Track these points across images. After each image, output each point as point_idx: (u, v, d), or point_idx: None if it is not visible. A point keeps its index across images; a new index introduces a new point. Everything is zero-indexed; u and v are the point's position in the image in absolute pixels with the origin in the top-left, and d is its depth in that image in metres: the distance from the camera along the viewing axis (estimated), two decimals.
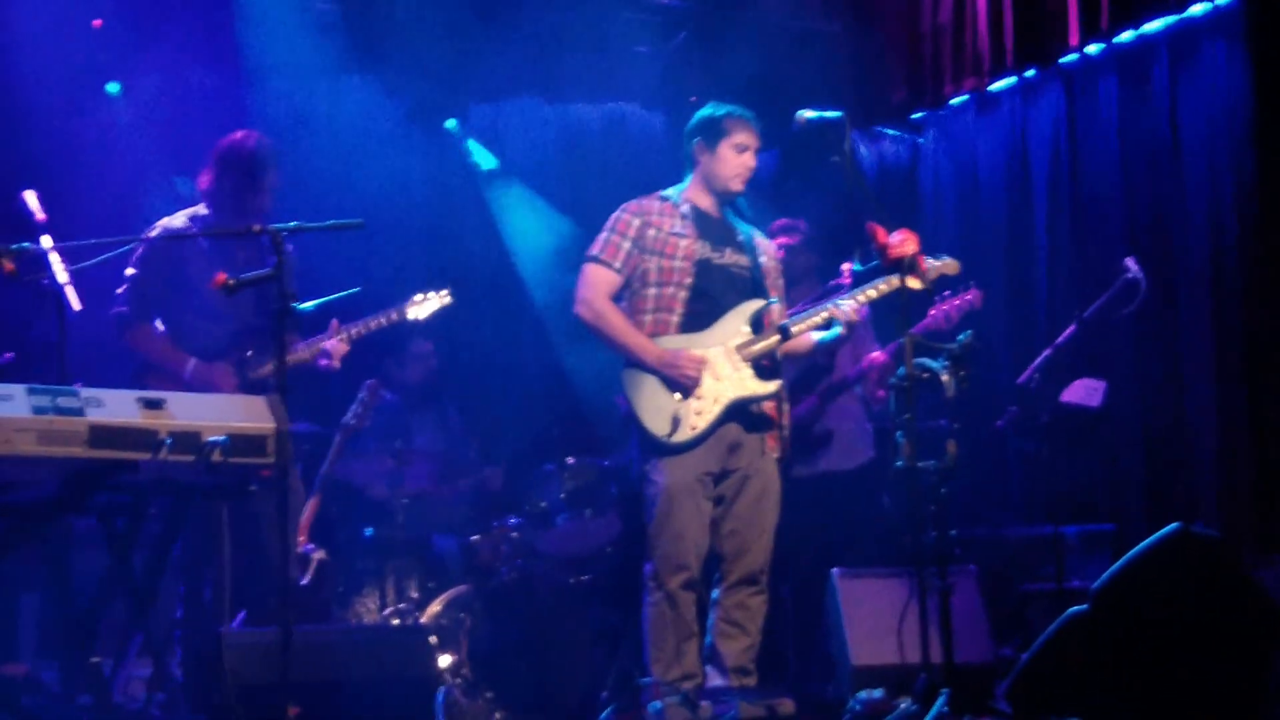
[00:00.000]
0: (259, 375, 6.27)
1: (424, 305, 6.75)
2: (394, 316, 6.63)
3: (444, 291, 6.82)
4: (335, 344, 6.36)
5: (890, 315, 5.53)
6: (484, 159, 10.09)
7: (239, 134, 6.50)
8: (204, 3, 8.34)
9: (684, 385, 6.03)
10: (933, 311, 6.91)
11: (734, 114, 6.36)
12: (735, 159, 6.32)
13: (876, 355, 7.32)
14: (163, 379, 6.13)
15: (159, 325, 6.38)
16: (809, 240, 7.82)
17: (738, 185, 6.35)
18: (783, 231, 7.72)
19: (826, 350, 6.55)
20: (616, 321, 6.18)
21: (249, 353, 6.33)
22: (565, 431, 8.61)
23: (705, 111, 6.42)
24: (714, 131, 6.34)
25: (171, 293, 6.34)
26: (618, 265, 6.23)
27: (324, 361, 6.37)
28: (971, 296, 6.95)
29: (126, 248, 5.96)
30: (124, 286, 6.34)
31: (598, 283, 6.25)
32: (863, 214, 5.55)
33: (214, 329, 6.32)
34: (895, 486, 7.22)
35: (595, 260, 6.27)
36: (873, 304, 6.31)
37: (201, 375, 6.19)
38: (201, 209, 6.47)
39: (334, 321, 6.39)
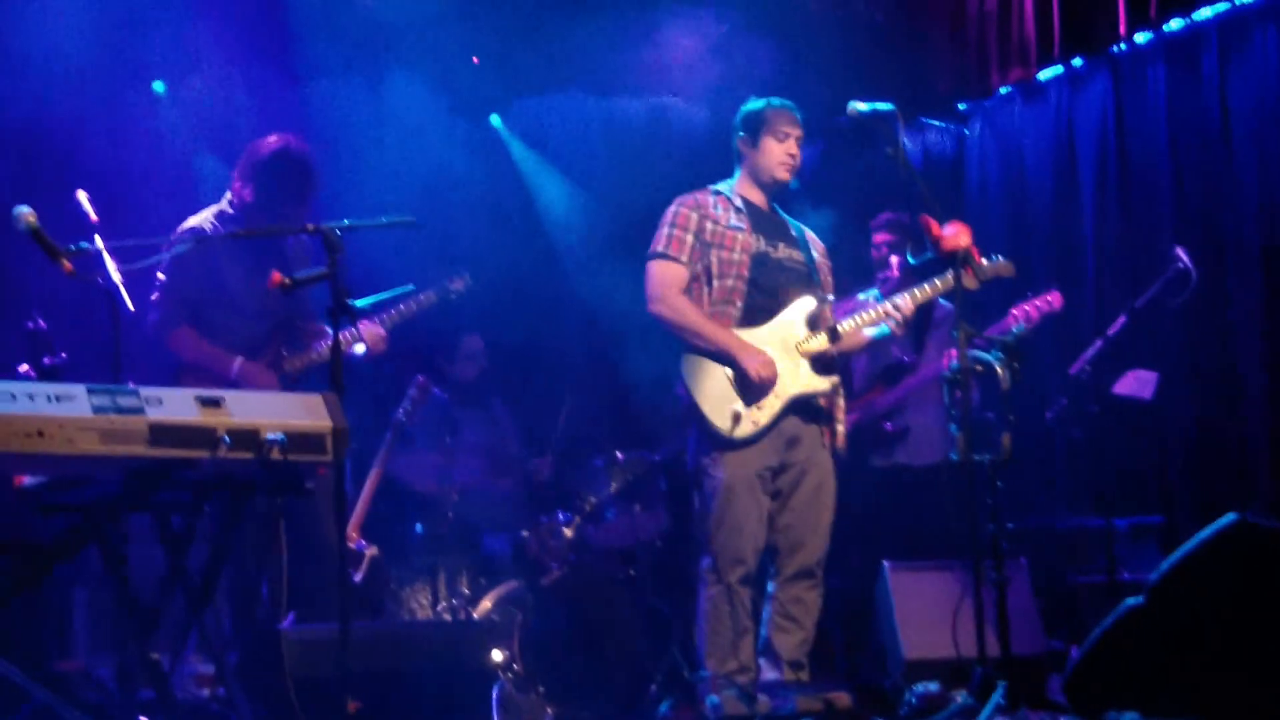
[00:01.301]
0: (294, 369, 6.29)
1: (450, 289, 6.80)
2: (423, 302, 6.68)
3: (464, 276, 6.88)
4: (370, 328, 6.38)
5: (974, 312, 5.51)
6: (526, 157, 10.11)
7: (277, 138, 6.46)
8: (249, 1, 8.36)
9: (759, 383, 6.02)
10: (1014, 311, 6.90)
11: (774, 104, 6.37)
12: (779, 148, 6.31)
13: (954, 352, 7.28)
14: (203, 379, 6.14)
15: (192, 329, 6.38)
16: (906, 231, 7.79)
17: (784, 174, 6.34)
18: (886, 226, 7.70)
19: (877, 346, 6.53)
20: (694, 315, 6.16)
21: (284, 350, 6.35)
22: (614, 426, 8.62)
23: (749, 104, 6.42)
24: (756, 124, 6.34)
25: (204, 292, 6.34)
26: (684, 259, 6.22)
27: (358, 348, 6.37)
28: (1052, 298, 6.94)
29: (180, 248, 5.99)
30: (156, 292, 6.33)
31: (668, 279, 6.23)
32: (915, 207, 5.54)
33: (246, 327, 6.34)
34: (950, 479, 7.21)
35: (663, 257, 6.25)
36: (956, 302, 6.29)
37: (248, 374, 6.21)
38: (226, 207, 6.45)
39: (377, 315, 6.43)
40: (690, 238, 6.22)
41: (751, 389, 6.04)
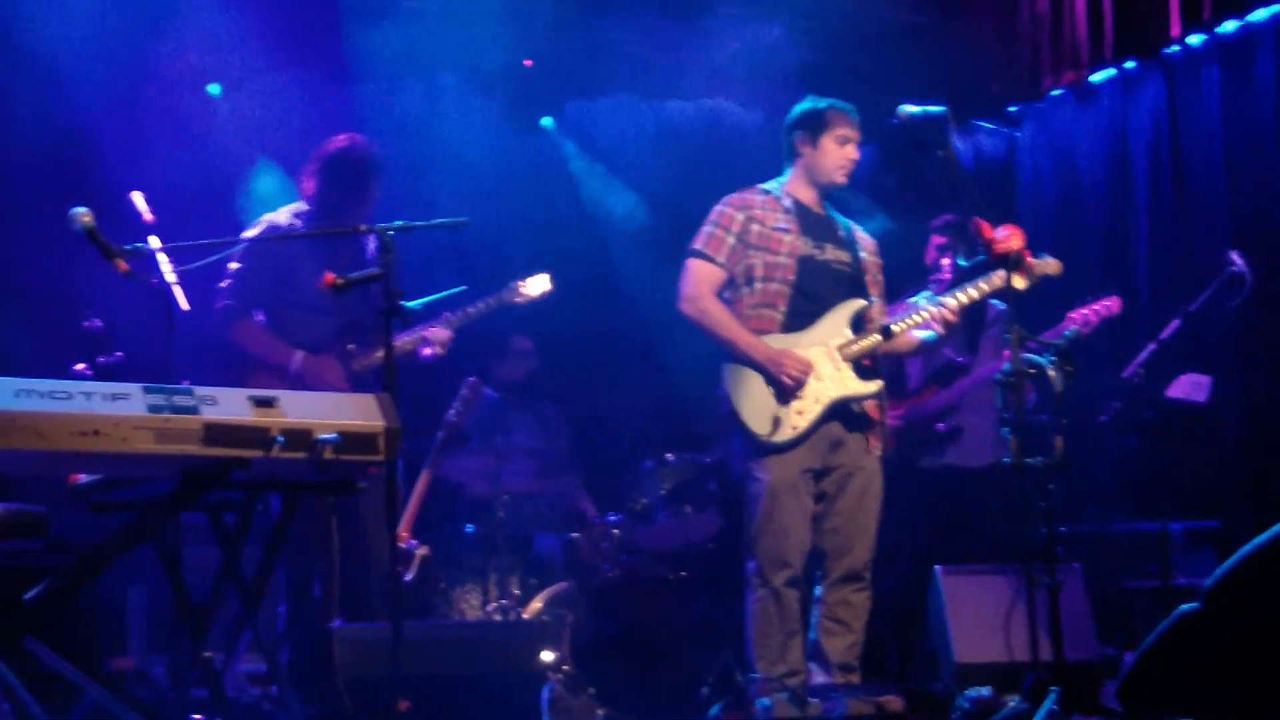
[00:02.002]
0: (362, 367, 6.32)
1: (526, 290, 6.81)
2: (493, 302, 6.69)
3: (544, 276, 6.88)
4: (438, 330, 6.41)
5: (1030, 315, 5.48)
6: (578, 160, 10.11)
7: (343, 138, 6.54)
8: (302, 4, 8.40)
9: (789, 386, 6.02)
10: (1071, 315, 6.87)
11: (836, 106, 6.35)
12: (838, 151, 6.30)
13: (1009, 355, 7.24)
14: (266, 374, 6.19)
15: (259, 320, 6.44)
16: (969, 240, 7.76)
17: (841, 178, 6.33)
18: (942, 229, 7.67)
19: (930, 348, 6.51)
20: (722, 318, 6.17)
21: (351, 346, 6.38)
22: (665, 428, 8.62)
23: (806, 104, 6.40)
24: (816, 124, 6.32)
25: (274, 287, 6.38)
26: (721, 260, 6.22)
27: (427, 350, 6.42)
28: (1111, 303, 6.92)
29: (234, 249, 6.03)
30: (227, 280, 6.38)
31: (702, 278, 6.23)
32: (968, 209, 5.52)
33: (317, 323, 6.37)
34: (1004, 483, 7.17)
35: (699, 255, 6.26)
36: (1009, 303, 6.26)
37: (309, 368, 6.24)
38: (303, 205, 6.52)
39: (445, 314, 6.45)
40: (731, 239, 6.22)
41: (789, 393, 6.04)
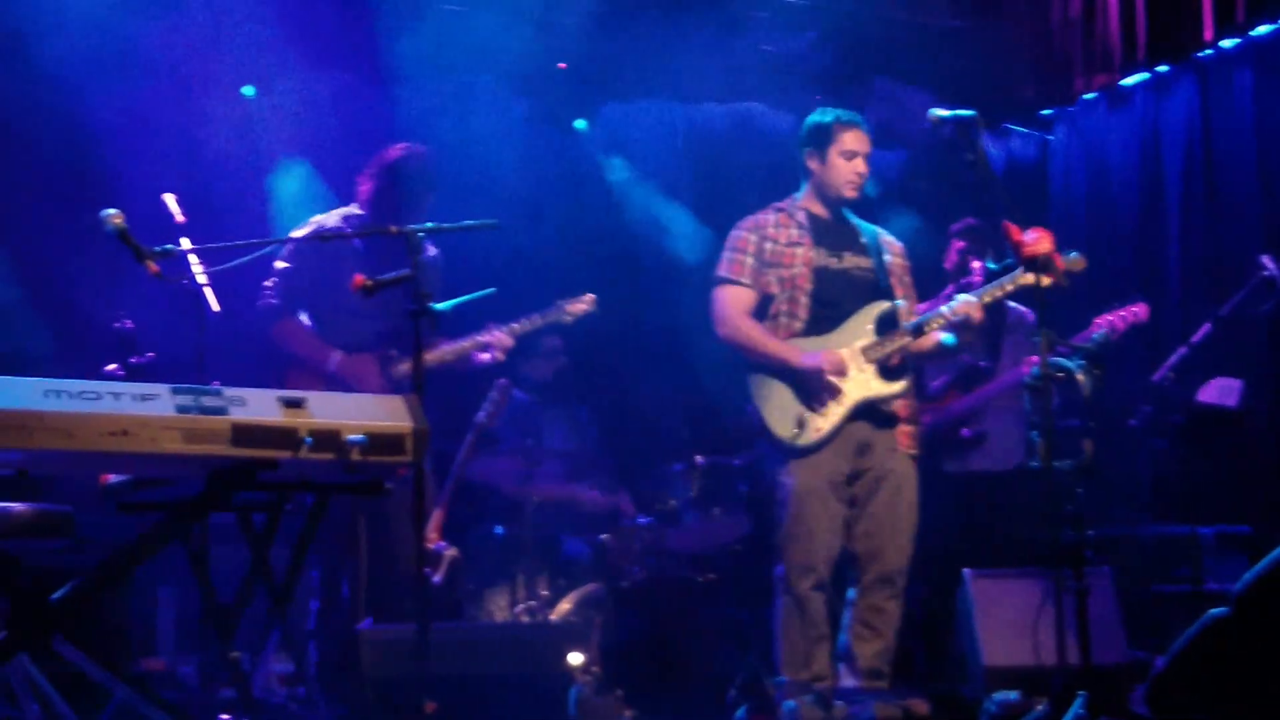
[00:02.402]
0: (400, 374, 6.34)
1: (572, 309, 6.86)
2: (549, 317, 6.75)
3: (589, 296, 6.92)
4: (500, 335, 6.45)
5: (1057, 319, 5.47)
6: (610, 162, 10.10)
7: (402, 147, 6.59)
8: (337, 5, 8.42)
9: (824, 399, 6.02)
10: (1098, 320, 6.85)
11: (841, 119, 6.33)
12: (845, 166, 6.29)
13: (1035, 359, 7.23)
14: (305, 372, 6.23)
15: (304, 319, 6.48)
16: (985, 238, 7.74)
17: (850, 193, 6.33)
18: (962, 233, 7.66)
19: (952, 351, 6.49)
20: (758, 335, 6.20)
21: (393, 351, 6.41)
22: (695, 430, 8.61)
23: (814, 117, 6.41)
24: (822, 138, 6.32)
25: (320, 288, 6.43)
26: (747, 280, 6.26)
27: (484, 355, 6.48)
28: (1139, 309, 6.89)
29: (265, 250, 6.05)
30: (273, 279, 6.45)
31: (733, 301, 6.28)
32: (997, 213, 5.50)
33: (360, 327, 6.42)
34: (1031, 487, 7.15)
35: (726, 281, 6.31)
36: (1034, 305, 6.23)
37: (346, 367, 6.29)
38: (355, 209, 6.57)
39: (509, 324, 6.51)
40: (750, 260, 6.27)
41: (816, 396, 6.04)
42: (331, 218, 6.56)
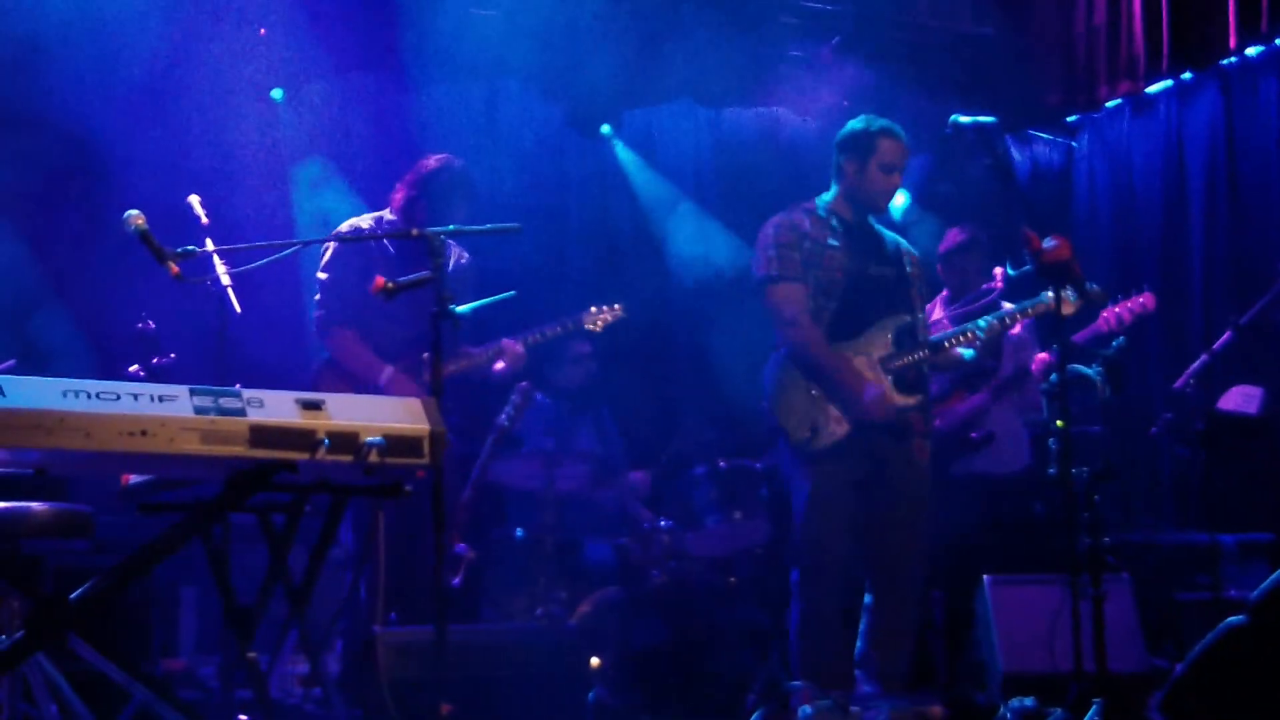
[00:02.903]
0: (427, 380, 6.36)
1: (599, 318, 6.88)
2: (569, 326, 6.78)
3: (617, 306, 6.95)
4: (511, 345, 6.51)
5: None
6: (636, 166, 10.11)
7: (437, 159, 6.63)
8: (366, 8, 8.46)
9: (863, 421, 6.03)
10: (1104, 314, 6.82)
11: (886, 130, 6.28)
12: (883, 179, 6.26)
13: (1041, 357, 7.22)
14: (357, 385, 6.27)
15: (353, 332, 6.52)
16: (979, 251, 7.73)
17: (883, 204, 6.34)
18: (964, 250, 7.66)
19: (970, 366, 6.49)
20: (826, 348, 6.13)
21: (425, 355, 6.44)
22: (717, 434, 8.62)
23: (857, 125, 6.35)
24: (864, 148, 6.26)
25: (360, 293, 6.46)
26: (799, 275, 6.18)
27: (500, 364, 6.55)
28: (1145, 299, 6.84)
29: (288, 252, 6.07)
30: (319, 291, 6.52)
31: (795, 300, 6.18)
32: (1016, 219, 5.51)
33: (391, 331, 6.47)
34: (1048, 492, 7.15)
35: (780, 280, 6.21)
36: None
37: (397, 384, 6.33)
38: (387, 214, 6.61)
39: (522, 335, 6.54)
40: (798, 254, 6.19)
41: (835, 404, 6.04)
42: (365, 221, 6.63)
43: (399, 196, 6.65)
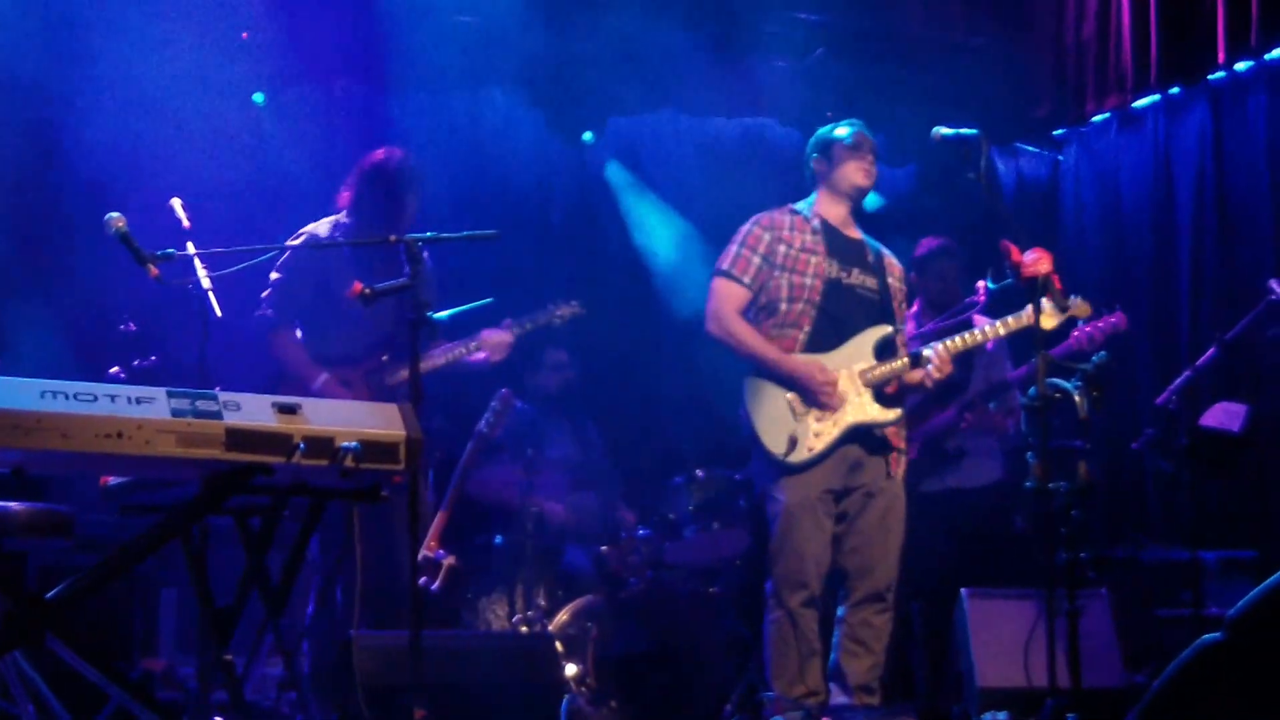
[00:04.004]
0: (395, 382, 6.35)
1: (556, 314, 6.87)
2: (527, 325, 6.74)
3: (574, 303, 6.94)
4: (499, 333, 6.48)
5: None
6: (618, 175, 10.10)
7: (382, 152, 6.61)
8: (349, 15, 8.45)
9: (819, 401, 6.03)
10: (1075, 333, 6.84)
11: (841, 123, 6.43)
12: (853, 164, 6.34)
13: (1012, 375, 7.25)
14: (293, 387, 6.24)
15: (298, 332, 6.49)
16: (962, 262, 7.75)
17: (862, 179, 6.35)
18: (936, 256, 7.67)
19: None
20: (748, 335, 6.20)
21: (384, 357, 6.43)
22: (696, 444, 8.63)
23: (818, 134, 6.48)
24: (828, 143, 6.39)
25: (313, 299, 6.44)
26: (747, 280, 6.25)
27: (479, 355, 6.49)
28: (1116, 319, 6.87)
29: (268, 255, 6.07)
30: (268, 290, 6.46)
31: (727, 297, 6.27)
32: (999, 231, 5.51)
33: (353, 336, 6.43)
34: (1027, 507, 7.16)
35: (726, 275, 6.30)
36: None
37: (330, 389, 6.28)
38: (344, 217, 6.57)
39: (506, 321, 6.53)
40: (757, 259, 6.24)
41: (814, 408, 6.05)
42: (322, 226, 6.57)
43: (345, 196, 6.59)
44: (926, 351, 6.18)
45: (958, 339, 6.26)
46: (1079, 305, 6.25)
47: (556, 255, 9.70)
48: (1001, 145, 9.68)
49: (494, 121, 9.54)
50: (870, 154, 6.35)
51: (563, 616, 7.24)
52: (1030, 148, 9.91)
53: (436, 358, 6.49)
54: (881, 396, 6.14)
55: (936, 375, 6.15)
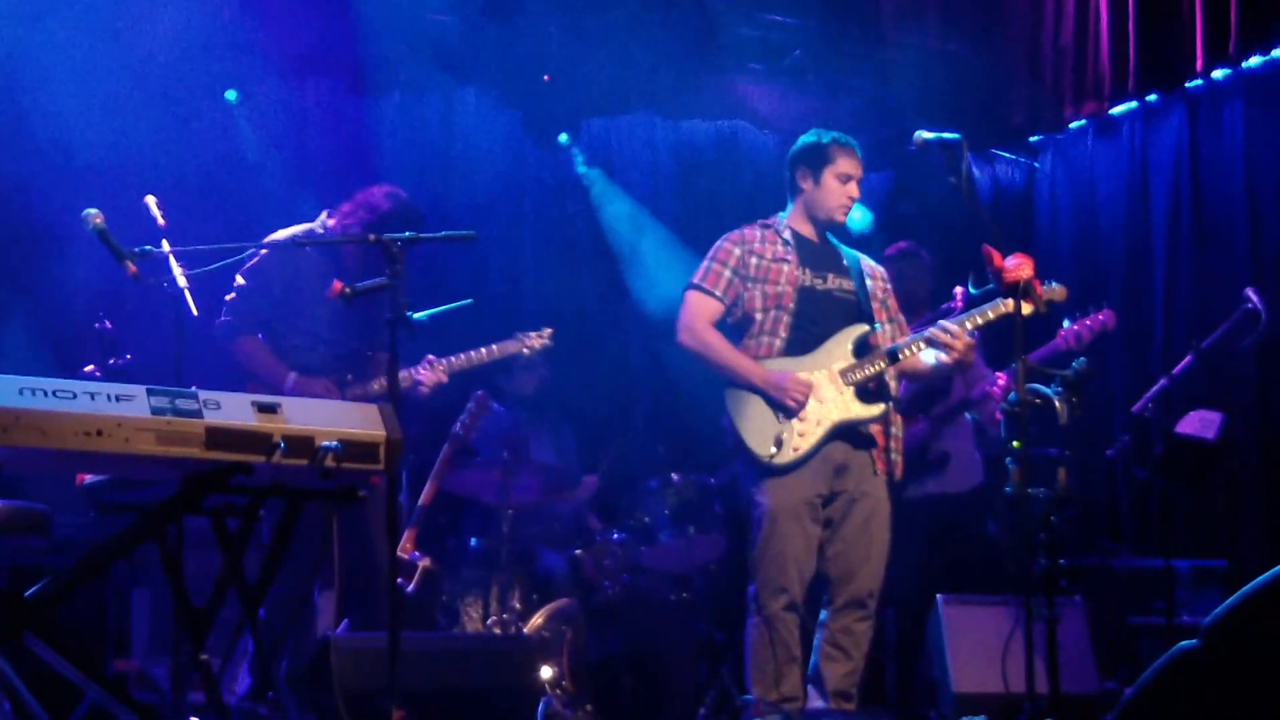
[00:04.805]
0: (354, 396, 6.29)
1: (525, 343, 6.80)
2: (496, 351, 6.67)
3: (547, 332, 6.88)
4: (427, 373, 6.40)
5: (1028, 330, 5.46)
6: (593, 177, 10.08)
7: (386, 195, 6.45)
8: (322, 13, 8.42)
9: (789, 408, 6.02)
10: (1062, 332, 6.84)
11: (839, 141, 6.31)
12: (839, 189, 6.27)
13: (1001, 377, 7.23)
14: (262, 390, 6.18)
15: (260, 338, 6.41)
16: (927, 266, 7.75)
17: (840, 216, 6.32)
18: (899, 256, 7.68)
19: (942, 372, 6.48)
20: (719, 346, 6.20)
21: (349, 375, 6.38)
22: (671, 448, 8.62)
23: (809, 138, 6.38)
24: (818, 159, 6.29)
25: (278, 308, 6.37)
26: (719, 292, 6.25)
27: (421, 389, 6.42)
28: (1104, 317, 6.86)
29: (244, 254, 6.03)
30: (231, 295, 6.39)
31: (699, 310, 6.27)
32: (978, 237, 5.51)
33: (317, 348, 6.37)
34: (1005, 513, 7.16)
35: (696, 288, 6.31)
36: (989, 328, 6.21)
37: (302, 389, 6.22)
38: (319, 228, 6.48)
39: (429, 356, 6.44)
40: (728, 273, 6.25)
41: (790, 414, 6.04)
42: (292, 234, 6.44)
43: (345, 224, 6.40)
44: (924, 337, 6.15)
45: (968, 318, 6.16)
46: (1055, 290, 6.20)
47: (530, 256, 9.69)
48: (977, 152, 9.69)
49: (467, 122, 9.52)
50: (856, 186, 6.30)
51: (537, 619, 7.22)
52: (1006, 154, 9.92)
53: (402, 381, 6.41)
54: (864, 393, 6.13)
55: (959, 352, 6.10)
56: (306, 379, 6.27)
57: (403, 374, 6.34)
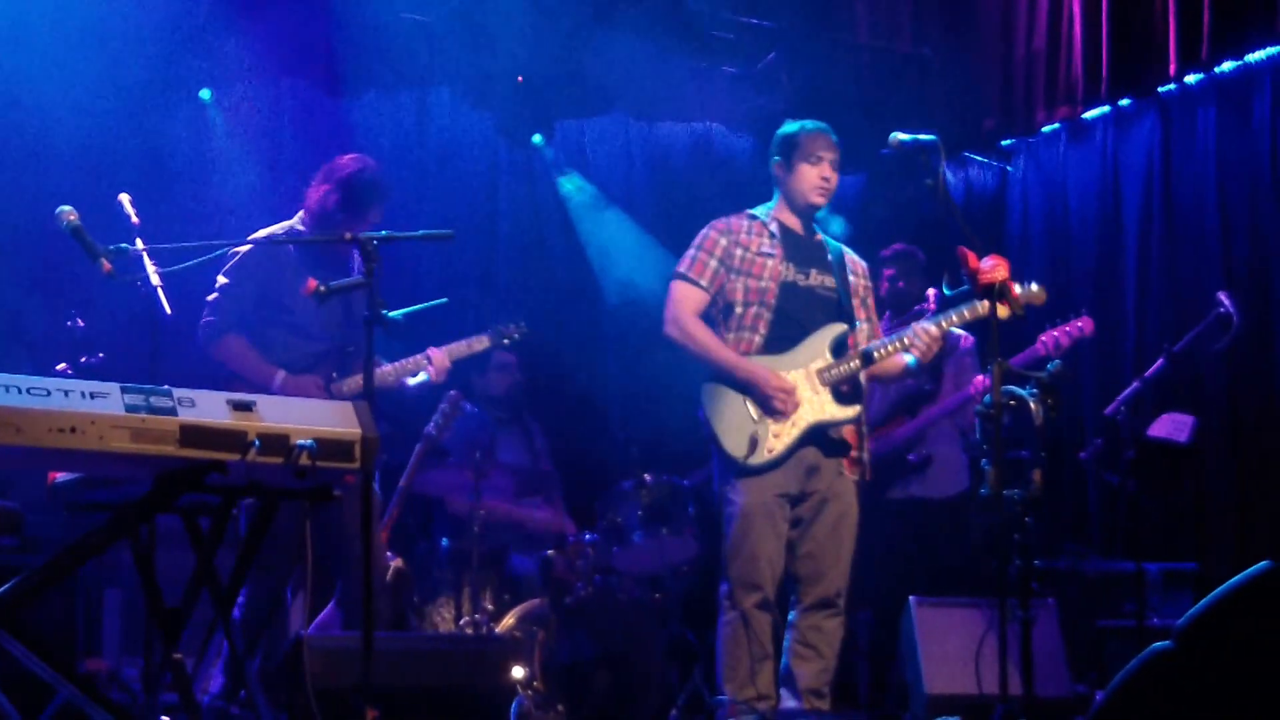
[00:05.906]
0: (339, 394, 6.28)
1: (507, 333, 6.83)
2: (485, 341, 6.70)
3: (522, 325, 6.91)
4: (440, 358, 6.42)
5: (1002, 337, 5.47)
6: (567, 178, 10.07)
7: (354, 160, 6.50)
8: (296, 11, 8.40)
9: (774, 406, 6.02)
10: (1042, 338, 6.84)
11: (808, 127, 6.33)
12: (812, 172, 6.27)
13: (979, 380, 7.24)
14: (248, 389, 6.15)
15: (244, 337, 6.39)
16: (923, 267, 7.76)
17: (817, 198, 6.32)
18: (895, 257, 7.70)
19: (915, 373, 6.49)
20: (705, 338, 6.19)
21: (333, 373, 6.36)
22: (644, 449, 8.61)
23: (781, 129, 6.41)
24: (789, 148, 6.32)
25: (260, 307, 6.36)
26: (704, 283, 6.24)
27: (413, 380, 6.42)
28: (1083, 324, 6.87)
29: (218, 253, 6.00)
30: (214, 295, 6.37)
31: (684, 301, 6.26)
32: (952, 239, 5.52)
33: (300, 347, 6.35)
34: (979, 515, 7.17)
35: (682, 278, 6.29)
36: (974, 331, 6.22)
37: (290, 387, 6.20)
38: (298, 224, 6.48)
39: (430, 349, 6.45)
40: (714, 262, 6.24)
41: (769, 415, 6.04)
42: (274, 232, 6.46)
43: (315, 196, 6.45)
44: (900, 339, 6.15)
45: (944, 318, 6.18)
46: (1035, 292, 6.21)
47: (503, 256, 9.68)
48: (950, 155, 9.67)
49: (442, 121, 9.51)
50: (830, 165, 6.29)
51: (509, 620, 7.21)
52: (978, 158, 9.94)
53: (387, 375, 6.42)
54: (839, 395, 6.13)
55: (933, 345, 6.13)
56: (295, 377, 6.26)
57: (410, 361, 6.38)
